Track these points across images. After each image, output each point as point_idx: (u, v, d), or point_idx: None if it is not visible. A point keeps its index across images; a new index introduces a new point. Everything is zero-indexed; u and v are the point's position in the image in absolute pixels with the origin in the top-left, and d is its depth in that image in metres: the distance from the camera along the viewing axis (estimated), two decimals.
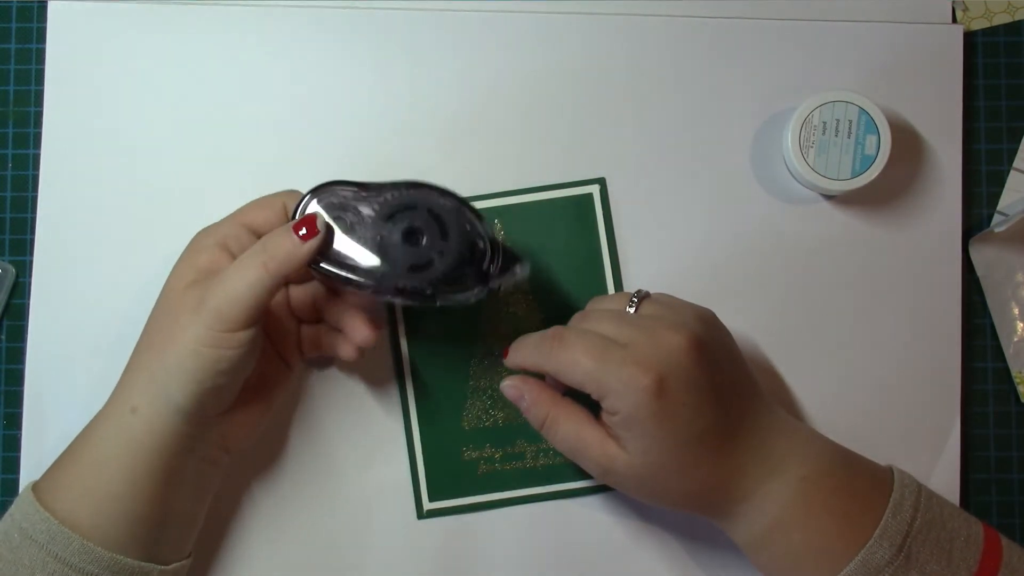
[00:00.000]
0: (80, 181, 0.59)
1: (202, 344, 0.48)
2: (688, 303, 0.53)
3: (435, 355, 0.59)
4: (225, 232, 0.52)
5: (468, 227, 0.50)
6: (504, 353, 0.54)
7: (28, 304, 0.59)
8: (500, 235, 0.53)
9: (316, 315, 0.55)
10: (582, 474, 0.58)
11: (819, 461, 0.50)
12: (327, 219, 0.50)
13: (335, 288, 0.54)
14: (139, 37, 0.59)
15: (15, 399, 0.59)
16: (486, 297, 0.51)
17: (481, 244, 0.50)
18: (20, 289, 0.60)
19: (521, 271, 0.52)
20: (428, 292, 0.50)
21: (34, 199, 0.59)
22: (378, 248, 0.50)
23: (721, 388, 0.50)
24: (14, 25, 0.60)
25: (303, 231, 0.49)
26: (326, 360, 0.59)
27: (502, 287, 0.50)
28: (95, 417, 0.52)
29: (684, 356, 0.49)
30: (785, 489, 0.49)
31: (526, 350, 0.53)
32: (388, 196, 0.50)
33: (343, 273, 0.50)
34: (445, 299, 0.50)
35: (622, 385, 0.48)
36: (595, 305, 0.54)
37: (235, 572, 0.58)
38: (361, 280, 0.50)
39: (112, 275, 0.58)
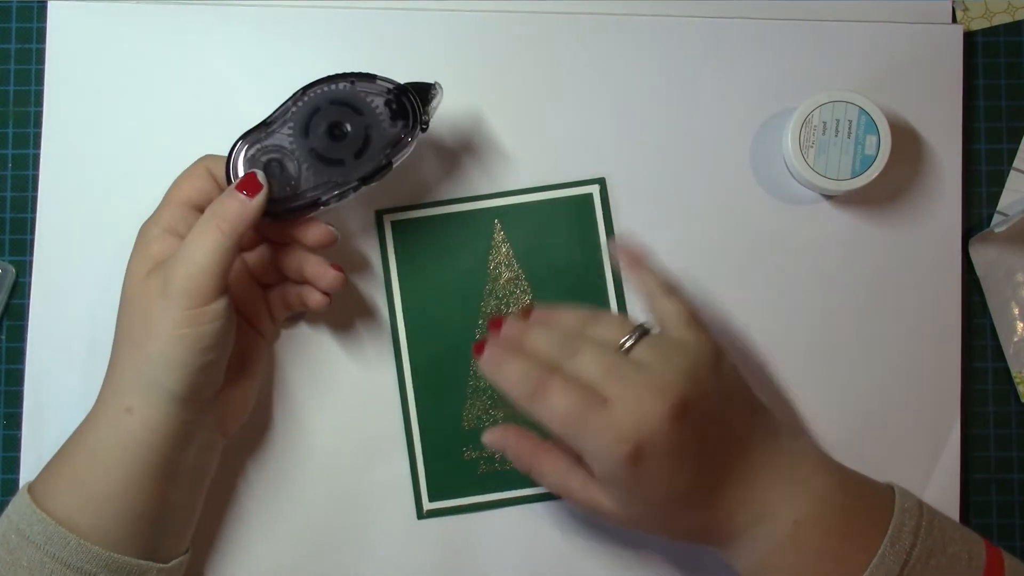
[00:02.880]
0: (80, 181, 0.59)
1: (180, 326, 0.48)
2: (685, 344, 0.51)
3: (435, 355, 0.59)
4: (168, 216, 0.52)
5: (372, 92, 0.52)
6: (477, 350, 0.52)
7: (28, 304, 0.59)
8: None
9: (278, 276, 0.55)
10: None
11: (814, 504, 0.50)
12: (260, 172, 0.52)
13: (292, 237, 0.54)
14: (139, 37, 0.59)
15: (15, 399, 0.59)
16: (426, 130, 0.53)
17: (392, 95, 0.52)
18: (20, 289, 0.60)
19: (437, 91, 0.53)
20: (383, 163, 0.52)
21: (34, 199, 0.59)
22: (318, 159, 0.52)
23: (705, 445, 0.49)
24: (14, 25, 0.60)
25: (246, 190, 0.50)
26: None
27: (431, 114, 0.53)
28: (86, 421, 0.51)
29: (666, 423, 0.47)
30: (775, 533, 0.49)
31: (511, 378, 0.50)
32: (291, 116, 0.52)
33: (307, 199, 0.52)
34: (398, 157, 0.53)
35: (599, 450, 0.48)
36: (592, 327, 0.52)
37: (235, 573, 0.58)
38: (325, 195, 0.52)
39: (112, 275, 0.58)
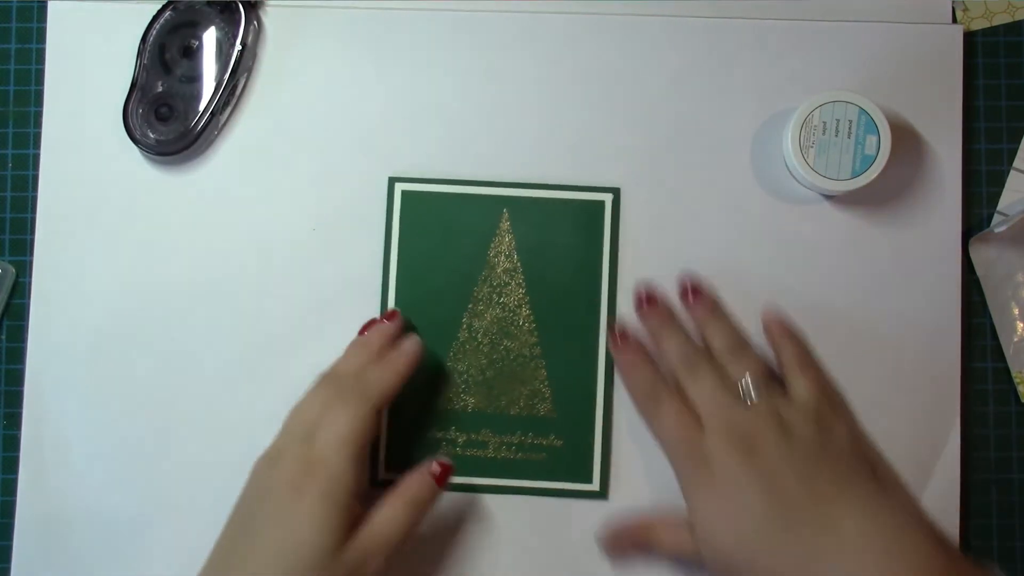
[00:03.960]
0: (80, 181, 0.59)
1: None
2: (797, 404, 0.54)
3: (419, 330, 0.58)
4: (348, 484, 0.51)
5: (195, 4, 0.58)
6: (615, 340, 0.58)
7: (28, 304, 0.59)
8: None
9: None
10: (539, 475, 0.58)
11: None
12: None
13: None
14: (139, 37, 0.59)
15: (15, 399, 0.59)
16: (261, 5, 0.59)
17: None
18: (20, 289, 0.60)
19: None
20: (240, 49, 0.57)
21: (34, 199, 0.59)
22: (190, 81, 0.57)
23: (776, 479, 0.51)
24: (14, 25, 0.60)
25: (436, 477, 0.53)
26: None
27: None
28: None
29: (735, 453, 0.51)
30: None
31: (638, 386, 0.57)
32: (148, 65, 0.58)
33: (205, 118, 0.57)
34: (247, 37, 0.58)
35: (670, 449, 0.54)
36: (731, 357, 0.56)
37: None
38: (214, 105, 0.57)
39: (112, 275, 0.58)
